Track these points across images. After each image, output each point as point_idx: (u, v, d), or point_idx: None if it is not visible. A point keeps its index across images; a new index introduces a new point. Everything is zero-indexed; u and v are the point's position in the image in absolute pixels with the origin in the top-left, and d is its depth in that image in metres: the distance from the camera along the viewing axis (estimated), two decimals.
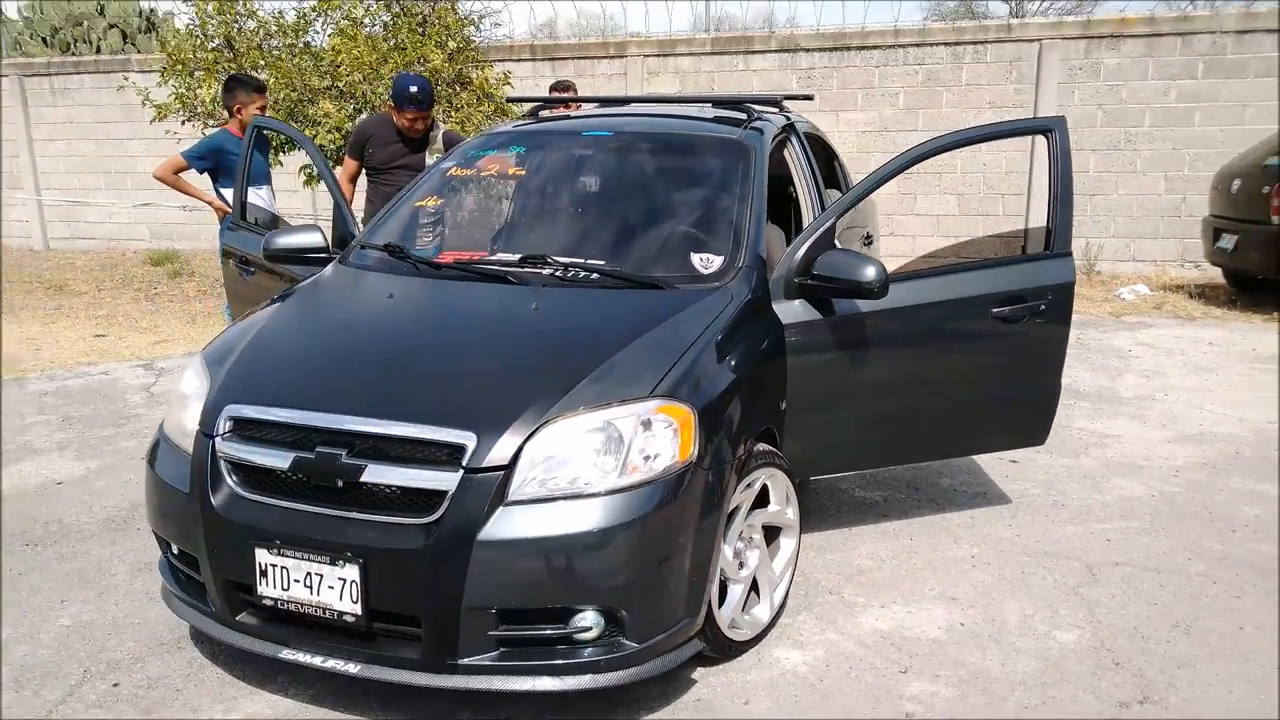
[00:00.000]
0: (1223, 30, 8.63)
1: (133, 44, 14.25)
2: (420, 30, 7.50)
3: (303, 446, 2.29)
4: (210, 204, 5.13)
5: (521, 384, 2.38)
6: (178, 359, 6.17)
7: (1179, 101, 8.83)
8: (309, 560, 2.21)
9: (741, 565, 2.65)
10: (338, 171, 5.44)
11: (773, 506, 2.76)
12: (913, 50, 9.33)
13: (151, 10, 15.13)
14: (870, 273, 2.78)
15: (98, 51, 13.67)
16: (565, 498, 2.17)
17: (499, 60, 9.12)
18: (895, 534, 3.47)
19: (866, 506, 3.74)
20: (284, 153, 7.10)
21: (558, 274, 2.90)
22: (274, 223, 4.66)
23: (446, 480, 2.16)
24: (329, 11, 7.46)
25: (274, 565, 2.24)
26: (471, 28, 8.01)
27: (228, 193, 4.96)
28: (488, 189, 3.83)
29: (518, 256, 3.05)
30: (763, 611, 2.72)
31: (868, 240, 4.64)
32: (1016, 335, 3.19)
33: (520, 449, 2.18)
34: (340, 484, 2.24)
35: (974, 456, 4.10)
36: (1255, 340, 6.58)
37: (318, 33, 7.64)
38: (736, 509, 2.57)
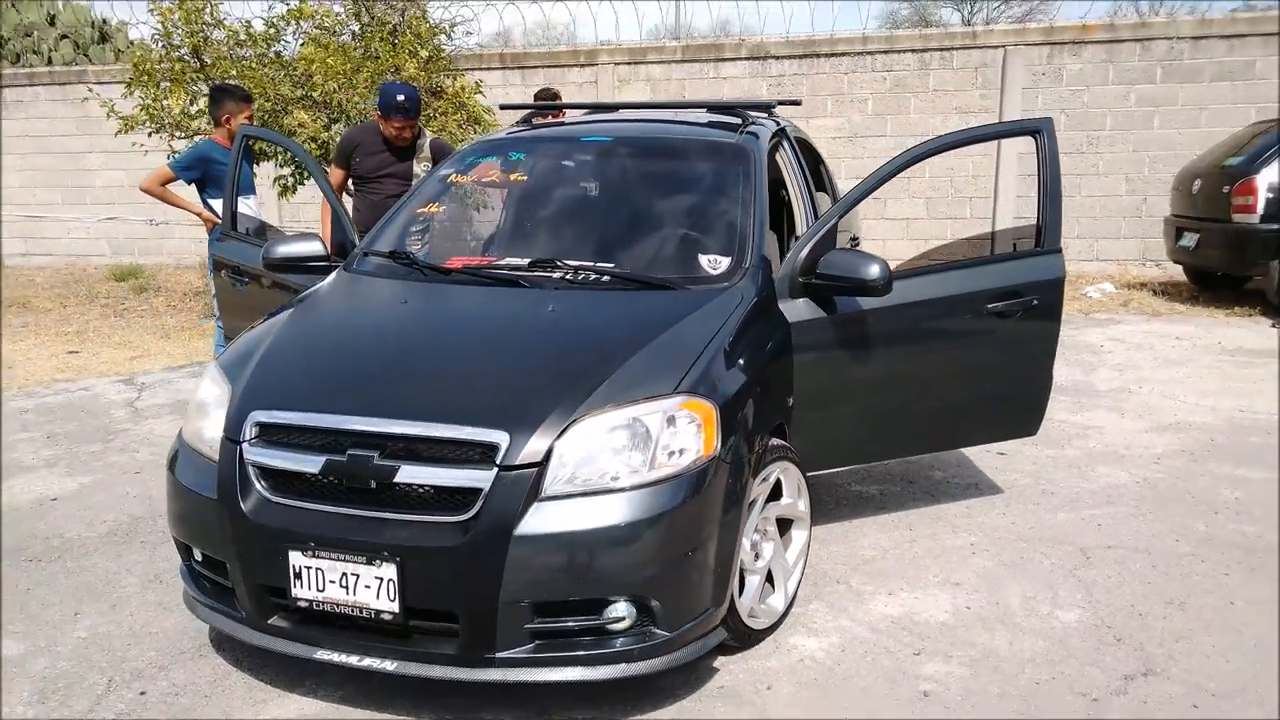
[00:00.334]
0: (1179, 36, 8.94)
1: (85, 55, 13.85)
2: (392, 39, 7.51)
3: (333, 450, 2.31)
4: (199, 215, 5.11)
5: (548, 384, 2.43)
6: (158, 374, 6.11)
7: (1139, 105, 9.12)
8: (345, 561, 2.24)
9: (758, 556, 2.72)
10: None
11: (786, 499, 2.83)
12: (881, 57, 9.52)
13: (104, 21, 14.81)
14: (875, 270, 2.87)
15: (49, 62, 13.29)
16: (596, 493, 2.23)
17: (469, 69, 9.14)
18: (895, 525, 3.56)
19: (864, 500, 3.84)
20: (258, 164, 7.06)
21: (568, 277, 2.95)
22: (263, 232, 4.66)
23: (482, 478, 2.20)
24: (299, 20, 7.44)
25: (308, 567, 2.27)
26: (443, 36, 8.03)
27: (215, 203, 4.94)
28: (488, 195, 3.88)
29: (527, 261, 3.09)
30: (778, 601, 2.79)
31: (854, 242, 4.74)
32: (1011, 329, 3.30)
33: (552, 446, 2.24)
34: (373, 485, 2.27)
35: (963, 450, 4.22)
36: (1220, 334, 6.82)
37: (289, 42, 7.62)
38: (753, 502, 2.64)
